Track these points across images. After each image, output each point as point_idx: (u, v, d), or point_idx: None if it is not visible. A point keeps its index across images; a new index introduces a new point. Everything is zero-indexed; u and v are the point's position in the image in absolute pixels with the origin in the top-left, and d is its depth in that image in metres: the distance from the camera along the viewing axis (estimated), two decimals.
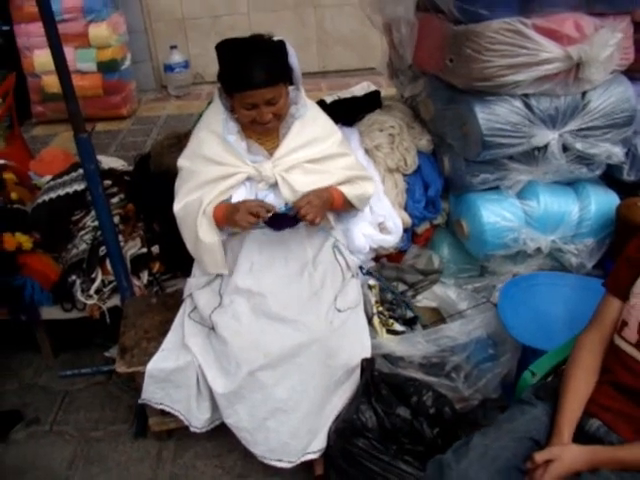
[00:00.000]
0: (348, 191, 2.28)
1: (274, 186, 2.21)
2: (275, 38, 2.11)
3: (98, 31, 5.74)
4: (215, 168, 2.19)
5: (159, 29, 6.71)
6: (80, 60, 5.77)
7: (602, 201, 2.66)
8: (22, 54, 5.78)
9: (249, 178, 2.21)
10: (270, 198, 2.21)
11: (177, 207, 2.25)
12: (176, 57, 6.60)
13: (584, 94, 2.47)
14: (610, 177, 2.76)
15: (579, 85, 2.41)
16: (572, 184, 2.72)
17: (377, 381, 2.19)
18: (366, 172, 2.44)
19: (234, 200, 2.20)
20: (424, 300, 2.68)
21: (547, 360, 2.01)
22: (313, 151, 2.24)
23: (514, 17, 2.28)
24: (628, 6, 2.40)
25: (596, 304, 1.87)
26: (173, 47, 6.58)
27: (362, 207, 2.45)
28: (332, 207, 2.26)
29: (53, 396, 2.85)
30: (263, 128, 2.16)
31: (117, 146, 5.51)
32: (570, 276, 2.63)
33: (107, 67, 5.87)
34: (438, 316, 2.64)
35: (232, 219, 2.11)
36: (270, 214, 2.08)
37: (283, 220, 2.14)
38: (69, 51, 5.55)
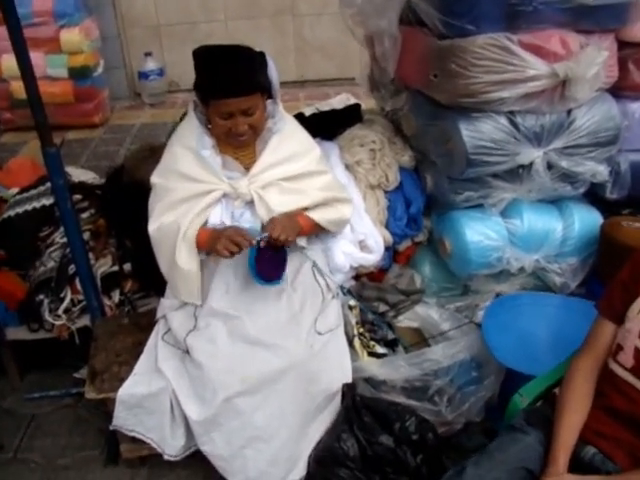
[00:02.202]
0: (322, 216, 2.23)
1: (250, 204, 2.15)
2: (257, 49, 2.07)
3: (70, 36, 5.59)
4: (190, 185, 2.12)
5: (133, 35, 6.59)
6: (50, 66, 5.62)
7: (586, 220, 2.62)
8: None
9: (225, 195, 2.13)
10: (246, 216, 2.15)
11: (152, 227, 2.17)
12: (151, 64, 6.46)
13: (569, 112, 2.43)
14: (593, 195, 2.73)
15: (564, 103, 2.37)
16: (555, 202, 2.68)
17: (359, 407, 2.13)
18: (344, 193, 2.38)
19: (211, 220, 2.13)
20: (405, 320, 2.62)
21: (537, 384, 1.97)
22: (291, 168, 2.17)
23: (500, 33, 2.23)
24: (613, 24, 2.37)
25: (580, 325, 1.85)
26: (148, 54, 6.45)
27: (339, 230, 2.40)
28: (300, 233, 2.20)
29: (18, 420, 2.72)
30: (238, 141, 2.10)
31: (89, 155, 5.37)
32: (554, 296, 2.60)
33: (79, 73, 5.72)
34: (420, 337, 2.58)
35: (214, 248, 2.04)
36: (254, 242, 2.02)
37: (268, 260, 2.08)
38: (39, 56, 5.42)
